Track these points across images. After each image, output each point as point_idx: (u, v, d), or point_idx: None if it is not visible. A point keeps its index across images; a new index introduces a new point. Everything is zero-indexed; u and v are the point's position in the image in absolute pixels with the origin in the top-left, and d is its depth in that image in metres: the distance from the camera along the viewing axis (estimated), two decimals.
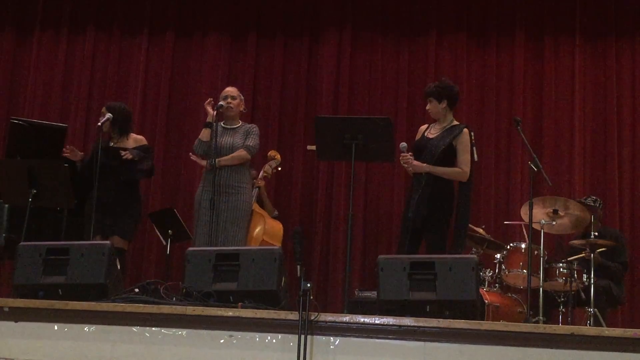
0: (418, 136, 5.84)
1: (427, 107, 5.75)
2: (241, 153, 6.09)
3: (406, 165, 5.58)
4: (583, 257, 6.38)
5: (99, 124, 6.00)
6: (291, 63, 8.34)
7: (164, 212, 7.34)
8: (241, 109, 6.30)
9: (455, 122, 5.71)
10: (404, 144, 5.56)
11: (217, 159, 5.89)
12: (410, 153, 5.57)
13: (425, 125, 5.89)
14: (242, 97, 6.35)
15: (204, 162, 6.12)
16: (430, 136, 5.70)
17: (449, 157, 5.57)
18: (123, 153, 6.06)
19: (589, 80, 8.05)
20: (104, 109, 6.26)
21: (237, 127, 6.23)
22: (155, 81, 8.39)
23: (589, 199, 6.86)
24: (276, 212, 7.16)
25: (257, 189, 6.68)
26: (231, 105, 6.17)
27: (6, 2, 8.57)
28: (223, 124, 6.20)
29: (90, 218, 5.77)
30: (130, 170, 6.14)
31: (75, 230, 6.20)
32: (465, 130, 5.62)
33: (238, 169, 6.11)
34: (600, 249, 6.38)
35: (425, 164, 5.52)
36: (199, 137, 6.14)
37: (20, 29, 8.59)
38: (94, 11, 8.54)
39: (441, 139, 5.61)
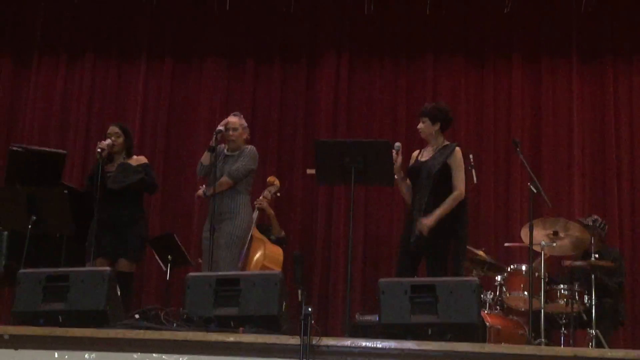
0: (412, 162, 5.88)
1: (419, 126, 5.77)
2: (222, 180, 6.09)
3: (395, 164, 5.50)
4: (582, 269, 6.36)
5: (101, 148, 5.99)
6: (289, 87, 8.36)
7: (163, 238, 7.32)
8: (244, 137, 6.33)
9: (447, 142, 5.77)
10: (398, 144, 5.55)
11: (207, 189, 6.04)
12: (400, 155, 5.55)
13: (417, 151, 5.95)
14: (246, 125, 6.38)
15: None
16: (424, 159, 5.73)
17: (444, 176, 5.59)
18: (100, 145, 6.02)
19: (587, 101, 8.07)
20: (115, 129, 6.26)
21: (237, 153, 6.26)
22: (154, 107, 8.39)
23: (589, 218, 6.83)
24: (283, 233, 7.16)
25: (256, 212, 6.66)
26: (232, 137, 6.21)
27: (4, 28, 8.59)
28: (226, 150, 6.25)
29: (93, 241, 5.74)
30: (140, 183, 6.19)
31: (76, 255, 6.16)
32: (457, 148, 5.68)
33: (231, 195, 6.12)
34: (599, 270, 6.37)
35: (434, 217, 5.47)
36: (201, 159, 6.20)
37: (19, 55, 8.59)
38: (93, 37, 8.54)
39: (435, 159, 5.64)
